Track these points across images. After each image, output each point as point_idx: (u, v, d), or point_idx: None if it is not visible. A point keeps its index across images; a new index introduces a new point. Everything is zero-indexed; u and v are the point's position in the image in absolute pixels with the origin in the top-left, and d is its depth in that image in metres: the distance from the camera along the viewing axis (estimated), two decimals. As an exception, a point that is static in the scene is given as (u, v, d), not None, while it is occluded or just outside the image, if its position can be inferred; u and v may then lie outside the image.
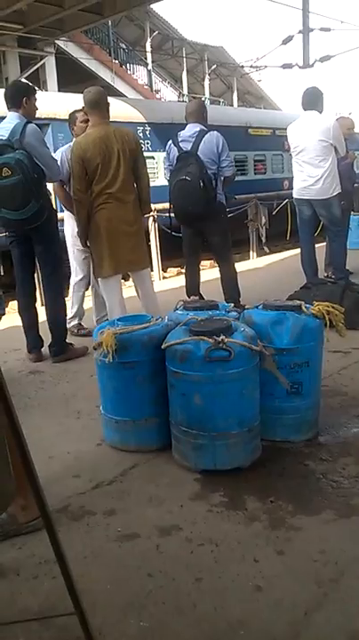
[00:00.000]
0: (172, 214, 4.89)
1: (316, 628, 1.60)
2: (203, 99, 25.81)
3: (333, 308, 2.75)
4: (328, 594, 1.72)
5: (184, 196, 4.54)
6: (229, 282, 4.93)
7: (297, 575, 1.80)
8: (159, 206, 6.60)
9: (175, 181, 4.57)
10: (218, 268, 5.08)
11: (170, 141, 4.74)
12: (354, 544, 1.94)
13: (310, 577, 1.79)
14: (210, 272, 5.37)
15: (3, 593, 1.81)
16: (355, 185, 6.21)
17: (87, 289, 5.05)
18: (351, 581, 1.76)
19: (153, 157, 10.27)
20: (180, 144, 4.62)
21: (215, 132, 4.62)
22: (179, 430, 2.48)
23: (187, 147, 4.57)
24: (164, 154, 4.90)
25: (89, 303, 5.02)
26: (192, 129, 4.64)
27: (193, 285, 5.02)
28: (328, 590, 1.73)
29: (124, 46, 23.93)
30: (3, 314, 3.76)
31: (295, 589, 1.74)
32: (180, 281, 6.83)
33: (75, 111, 4.74)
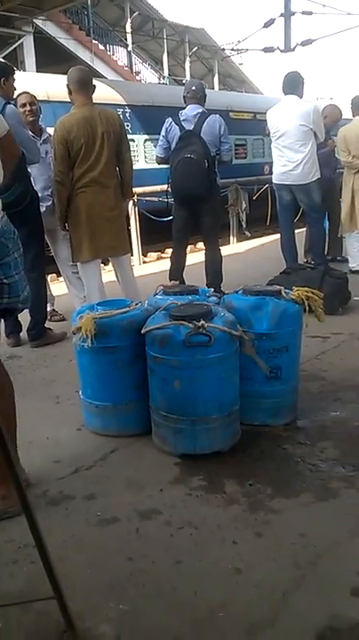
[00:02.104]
0: (169, 193, 4.81)
1: (294, 609, 1.62)
2: (183, 81, 25.61)
3: (312, 293, 2.76)
4: (306, 576, 1.74)
5: (188, 175, 4.50)
6: (215, 265, 4.93)
7: (275, 558, 1.82)
8: (139, 190, 6.57)
9: (178, 160, 4.50)
10: (204, 252, 5.05)
11: (170, 119, 4.65)
12: (332, 527, 1.96)
13: (289, 559, 1.81)
14: (190, 257, 5.36)
15: (-18, 578, 1.81)
16: (337, 171, 6.21)
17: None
18: (329, 564, 1.79)
19: (133, 140, 10.17)
20: (183, 123, 4.57)
21: (217, 115, 4.64)
22: (159, 415, 2.48)
23: (189, 126, 4.55)
24: (144, 136, 4.84)
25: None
26: (194, 109, 4.61)
27: (179, 268, 4.98)
28: (306, 572, 1.75)
29: (104, 26, 23.56)
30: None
31: (274, 572, 1.76)
32: (160, 266, 6.81)
33: (19, 94, 4.35)
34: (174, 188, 4.69)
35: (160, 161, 4.82)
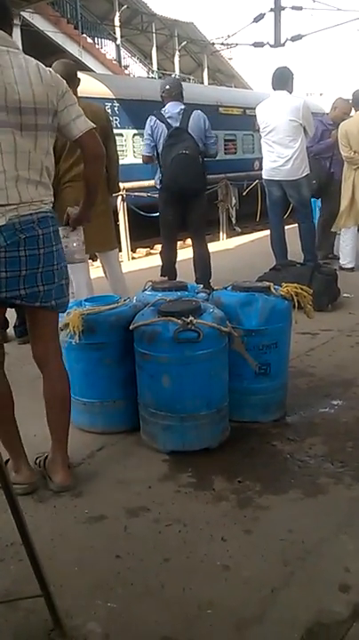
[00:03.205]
0: (160, 190, 4.81)
1: (283, 605, 1.62)
2: (172, 76, 25.52)
3: (302, 289, 2.76)
4: (294, 572, 1.74)
5: (185, 171, 4.54)
6: (204, 261, 4.94)
7: (264, 554, 1.82)
8: (128, 185, 6.54)
9: (173, 156, 4.53)
10: (192, 248, 5.05)
11: (154, 118, 4.65)
12: (320, 523, 1.97)
13: (277, 556, 1.81)
14: (180, 253, 5.36)
15: (-31, 577, 1.79)
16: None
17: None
18: (317, 560, 1.79)
19: (121, 134, 10.11)
20: (169, 120, 4.58)
21: (198, 110, 4.68)
22: (148, 412, 2.47)
23: (175, 123, 4.56)
24: (133, 130, 4.84)
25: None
26: (177, 106, 4.62)
27: (171, 265, 5.00)
28: (294, 568, 1.75)
29: (92, 20, 23.41)
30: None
31: (262, 568, 1.76)
32: (149, 261, 6.79)
33: None
34: (169, 184, 4.69)
35: (147, 160, 4.81)
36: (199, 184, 4.66)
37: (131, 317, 2.52)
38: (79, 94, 4.00)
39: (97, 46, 22.85)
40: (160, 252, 5.27)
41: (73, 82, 3.87)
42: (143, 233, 9.54)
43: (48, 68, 2.07)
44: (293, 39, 12.31)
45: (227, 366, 2.50)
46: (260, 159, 5.68)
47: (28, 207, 1.99)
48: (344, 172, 5.78)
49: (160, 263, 5.07)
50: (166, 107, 4.66)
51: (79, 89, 3.99)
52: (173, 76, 24.99)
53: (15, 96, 1.91)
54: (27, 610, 1.61)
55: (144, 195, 7.86)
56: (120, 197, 7.54)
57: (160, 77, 23.52)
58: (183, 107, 4.61)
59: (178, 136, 4.54)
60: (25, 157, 1.97)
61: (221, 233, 9.93)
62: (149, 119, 4.67)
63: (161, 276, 4.71)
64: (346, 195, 5.74)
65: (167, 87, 4.73)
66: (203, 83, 26.84)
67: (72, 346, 2.54)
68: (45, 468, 2.29)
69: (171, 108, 4.63)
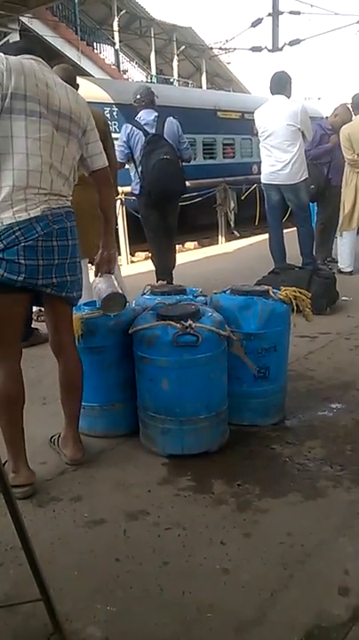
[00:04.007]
0: (140, 195, 4.89)
1: (282, 608, 1.62)
2: (171, 80, 25.61)
3: (300, 293, 2.77)
4: (294, 575, 1.74)
5: (168, 176, 4.69)
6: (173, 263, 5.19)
7: (263, 557, 1.82)
8: (127, 189, 6.50)
9: (155, 161, 4.64)
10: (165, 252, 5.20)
11: (130, 125, 4.78)
12: (319, 526, 1.97)
13: (277, 559, 1.81)
14: (179, 256, 5.39)
15: (-32, 581, 1.79)
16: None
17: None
18: (317, 563, 1.79)
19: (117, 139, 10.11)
20: (145, 127, 4.71)
21: (170, 116, 4.83)
22: (147, 415, 2.47)
23: (151, 130, 4.70)
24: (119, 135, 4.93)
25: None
26: (151, 114, 4.77)
27: (165, 266, 5.08)
28: (294, 572, 1.75)
29: (91, 25, 23.48)
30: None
31: (262, 571, 1.76)
32: (148, 265, 6.79)
33: None
34: (150, 189, 4.77)
35: (120, 166, 4.88)
36: (181, 187, 4.89)
37: (130, 321, 2.53)
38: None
39: (95, 51, 22.91)
40: (151, 258, 5.34)
41: (72, 86, 3.88)
42: (142, 237, 9.53)
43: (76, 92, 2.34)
44: (291, 43, 12.34)
45: (226, 370, 2.51)
46: (259, 163, 5.69)
47: (56, 201, 2.15)
48: (346, 176, 5.78)
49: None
50: (140, 114, 4.82)
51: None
52: (171, 80, 25.09)
53: (56, 101, 2.14)
54: (27, 614, 1.61)
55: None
56: (119, 201, 7.55)
57: (160, 82, 23.56)
58: (157, 114, 4.77)
59: (156, 142, 4.69)
60: (59, 150, 2.16)
61: (220, 237, 9.95)
62: (125, 127, 4.81)
63: (157, 280, 4.73)
64: (348, 198, 5.74)
65: (139, 96, 4.89)
66: (201, 87, 26.93)
67: (71, 350, 2.54)
68: (59, 445, 2.49)
69: (146, 116, 4.78)
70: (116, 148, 4.79)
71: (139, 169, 4.74)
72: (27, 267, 2.06)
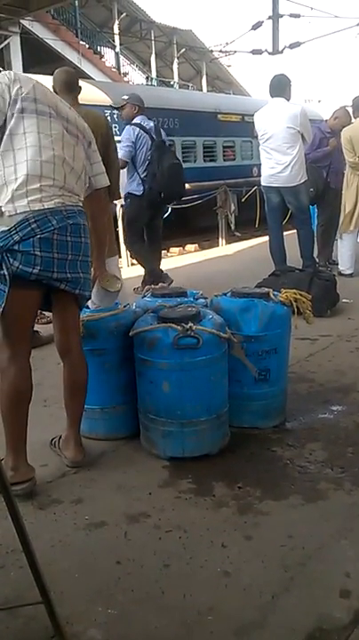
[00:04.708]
0: (142, 196, 5.10)
1: (283, 612, 1.62)
2: (171, 82, 25.65)
3: (301, 295, 2.77)
4: (295, 578, 1.74)
5: (179, 179, 5.07)
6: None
7: (264, 560, 1.82)
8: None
9: (169, 165, 4.98)
10: (155, 252, 5.44)
11: (137, 128, 4.96)
12: (320, 528, 1.97)
13: (278, 561, 1.81)
14: (177, 259, 5.40)
15: (-31, 584, 1.79)
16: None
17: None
18: (318, 565, 1.79)
19: (121, 142, 10.11)
20: (151, 133, 5.00)
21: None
22: (148, 418, 2.47)
23: (154, 136, 5.02)
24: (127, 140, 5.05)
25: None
26: (148, 121, 5.10)
27: (158, 268, 5.30)
28: (295, 574, 1.75)
29: (92, 28, 23.53)
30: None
31: (263, 574, 1.76)
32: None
33: None
34: (163, 190, 4.99)
35: (124, 165, 5.01)
36: (184, 189, 5.34)
37: (130, 323, 2.53)
38: (79, 102, 4.02)
39: (96, 54, 22.95)
40: (141, 261, 5.49)
41: (74, 89, 3.90)
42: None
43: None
44: (291, 46, 12.36)
45: (227, 372, 2.51)
46: (259, 165, 5.70)
47: (70, 198, 2.17)
48: (347, 178, 5.78)
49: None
50: (138, 119, 5.05)
51: (79, 96, 4.01)
52: (172, 82, 25.13)
53: (63, 110, 2.23)
54: (28, 617, 1.61)
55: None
56: (119, 205, 7.54)
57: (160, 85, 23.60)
58: (153, 122, 5.12)
59: (162, 147, 5.01)
60: (70, 147, 2.21)
61: (220, 239, 9.93)
62: (132, 129, 4.99)
63: (153, 283, 4.75)
64: (349, 201, 5.73)
65: (137, 102, 5.17)
66: (201, 90, 26.95)
67: (72, 352, 2.54)
68: (59, 448, 2.50)
69: (145, 122, 5.06)
70: (121, 147, 4.89)
71: (147, 171, 4.96)
72: (43, 259, 2.07)
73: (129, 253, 8.16)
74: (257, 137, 5.46)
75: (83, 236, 2.22)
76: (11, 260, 2.03)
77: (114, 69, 23.57)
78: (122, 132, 5.18)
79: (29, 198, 2.06)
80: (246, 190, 10.31)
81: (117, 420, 2.65)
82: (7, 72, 2.17)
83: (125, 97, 5.25)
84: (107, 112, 10.11)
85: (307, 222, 5.61)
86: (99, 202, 2.50)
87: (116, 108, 5.37)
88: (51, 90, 2.33)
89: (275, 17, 11.55)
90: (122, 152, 4.97)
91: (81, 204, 2.26)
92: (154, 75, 26.06)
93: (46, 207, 2.07)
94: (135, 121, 5.06)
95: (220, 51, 17.86)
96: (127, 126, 5.09)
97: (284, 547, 1.88)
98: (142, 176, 5.01)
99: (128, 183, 5.11)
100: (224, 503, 2.14)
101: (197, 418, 2.39)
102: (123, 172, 5.02)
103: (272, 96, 5.22)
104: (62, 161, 2.15)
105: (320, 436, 2.63)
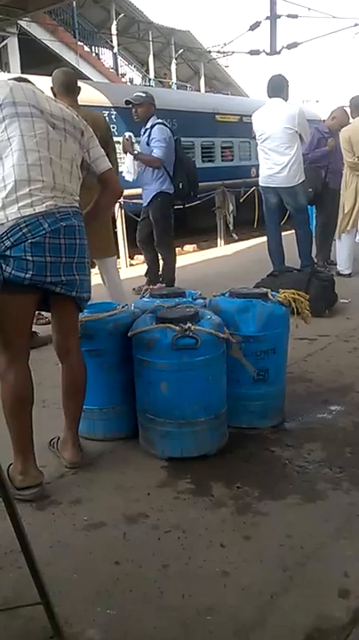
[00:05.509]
0: (175, 194, 5.32)
1: (282, 611, 1.62)
2: (170, 83, 25.65)
3: (299, 295, 2.77)
4: (294, 578, 1.74)
5: (197, 176, 5.38)
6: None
7: (263, 560, 1.82)
8: (126, 192, 6.52)
9: (192, 164, 5.38)
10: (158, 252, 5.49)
11: (167, 128, 5.16)
12: (319, 528, 1.97)
13: (276, 561, 1.81)
14: (178, 259, 5.41)
15: (-32, 585, 1.79)
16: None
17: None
18: (316, 565, 1.79)
19: (119, 142, 10.12)
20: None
21: None
22: (146, 418, 2.47)
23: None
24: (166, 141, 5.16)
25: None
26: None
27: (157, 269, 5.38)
28: (294, 574, 1.75)
29: (89, 28, 23.54)
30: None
31: (262, 574, 1.76)
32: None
33: None
34: (193, 189, 5.37)
35: (160, 165, 5.07)
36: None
37: (129, 324, 2.53)
38: (78, 103, 4.02)
39: (94, 55, 22.96)
40: (173, 260, 5.52)
41: (73, 90, 3.90)
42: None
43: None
44: (289, 47, 12.36)
45: (225, 372, 2.51)
46: (257, 166, 5.71)
47: (63, 199, 2.15)
48: (346, 178, 5.77)
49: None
50: (158, 119, 5.15)
51: (78, 97, 4.01)
52: (170, 83, 25.13)
53: (46, 105, 2.19)
54: (27, 617, 1.61)
55: (142, 202, 7.89)
56: (118, 204, 7.55)
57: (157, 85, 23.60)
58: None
59: (180, 147, 5.23)
60: (57, 145, 2.17)
61: (219, 239, 9.96)
62: (165, 129, 5.07)
63: (153, 283, 4.76)
64: (348, 201, 5.73)
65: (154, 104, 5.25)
66: (199, 90, 26.96)
67: (70, 353, 2.54)
68: (58, 449, 2.50)
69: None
70: (158, 146, 5.01)
71: (174, 170, 5.15)
72: (35, 263, 2.05)
73: (128, 253, 8.19)
74: (255, 137, 5.47)
75: (78, 237, 2.19)
76: (3, 266, 2.03)
77: (112, 70, 23.58)
78: (121, 132, 5.21)
79: (20, 204, 2.04)
80: (244, 191, 10.33)
81: (116, 421, 2.65)
82: None
83: (142, 94, 5.18)
84: (105, 112, 10.15)
85: (306, 222, 5.62)
86: (109, 182, 2.48)
87: (132, 105, 5.17)
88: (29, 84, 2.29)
89: (273, 17, 11.56)
90: (160, 152, 5.04)
91: (76, 204, 2.24)
92: (151, 75, 26.08)
93: (37, 211, 2.05)
94: (158, 120, 5.11)
95: (218, 51, 17.85)
96: (158, 126, 5.05)
97: (283, 546, 1.88)
98: (173, 175, 5.16)
99: (157, 183, 5.11)
100: (223, 503, 2.14)
101: (196, 418, 2.39)
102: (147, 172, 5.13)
103: (270, 96, 5.23)
104: (49, 161, 2.12)
105: (318, 435, 2.63)
